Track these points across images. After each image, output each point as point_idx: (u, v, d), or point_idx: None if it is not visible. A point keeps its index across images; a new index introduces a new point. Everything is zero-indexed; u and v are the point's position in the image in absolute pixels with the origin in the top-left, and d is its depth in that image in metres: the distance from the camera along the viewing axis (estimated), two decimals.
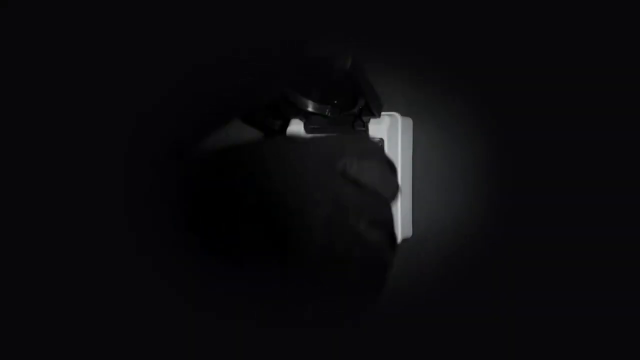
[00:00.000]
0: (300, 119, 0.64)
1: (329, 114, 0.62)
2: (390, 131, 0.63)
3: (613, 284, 0.63)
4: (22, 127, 0.75)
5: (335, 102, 0.61)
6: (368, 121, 0.62)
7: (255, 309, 0.43)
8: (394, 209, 0.44)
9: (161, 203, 0.47)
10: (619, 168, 0.63)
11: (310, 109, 0.61)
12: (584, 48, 0.63)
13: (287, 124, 0.64)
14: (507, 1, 0.64)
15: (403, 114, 0.64)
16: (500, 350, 0.65)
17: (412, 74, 0.67)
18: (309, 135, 0.63)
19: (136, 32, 0.72)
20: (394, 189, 0.44)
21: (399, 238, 0.64)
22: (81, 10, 0.71)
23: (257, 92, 0.50)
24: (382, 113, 0.63)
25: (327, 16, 0.69)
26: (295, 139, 0.56)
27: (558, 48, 0.64)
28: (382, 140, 0.63)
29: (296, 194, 0.41)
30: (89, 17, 0.72)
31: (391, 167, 0.45)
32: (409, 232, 0.66)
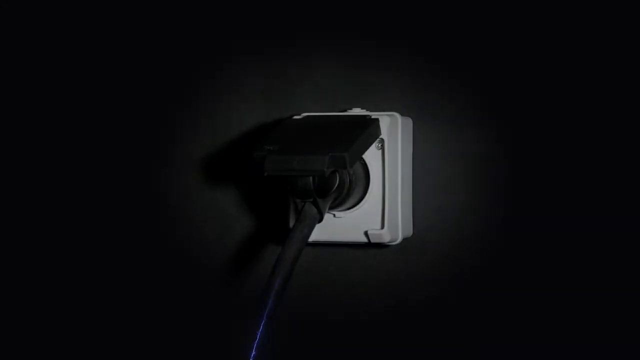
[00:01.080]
0: None
1: None
2: (390, 131, 0.63)
3: (614, 285, 0.63)
4: (20, 126, 0.75)
5: None
6: None
7: None
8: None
9: None
10: (621, 169, 0.63)
11: None
12: (586, 47, 0.63)
13: None
14: (508, 0, 0.64)
15: (403, 114, 0.64)
16: (500, 351, 0.65)
17: (412, 74, 0.67)
18: None
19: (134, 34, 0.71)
20: None
21: (399, 238, 0.64)
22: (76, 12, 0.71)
23: None
24: (382, 113, 0.63)
25: (328, 16, 0.69)
26: None
27: (560, 47, 0.63)
28: (382, 140, 0.63)
29: None
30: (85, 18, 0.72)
31: None
32: (409, 232, 0.66)
